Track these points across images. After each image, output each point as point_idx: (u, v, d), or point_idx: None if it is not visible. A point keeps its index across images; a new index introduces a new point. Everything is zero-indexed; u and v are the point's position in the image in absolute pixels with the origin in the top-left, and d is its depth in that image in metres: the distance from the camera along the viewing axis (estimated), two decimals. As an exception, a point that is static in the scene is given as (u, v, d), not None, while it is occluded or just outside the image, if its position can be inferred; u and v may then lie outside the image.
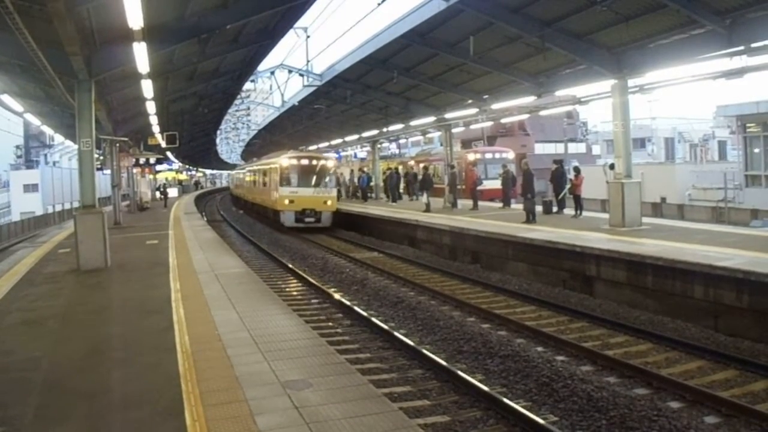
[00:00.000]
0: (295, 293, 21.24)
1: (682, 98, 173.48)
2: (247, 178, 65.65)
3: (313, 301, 20.13)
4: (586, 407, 11.10)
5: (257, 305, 14.09)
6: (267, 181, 47.61)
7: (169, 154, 66.41)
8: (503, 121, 41.03)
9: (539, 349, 14.55)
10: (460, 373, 12.51)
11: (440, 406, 11.26)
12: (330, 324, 17.10)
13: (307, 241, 37.48)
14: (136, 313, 13.74)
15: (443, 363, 13.17)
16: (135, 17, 14.84)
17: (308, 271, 25.85)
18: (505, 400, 11.05)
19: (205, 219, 45.57)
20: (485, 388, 11.66)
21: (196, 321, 12.54)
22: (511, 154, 47.66)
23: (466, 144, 63.59)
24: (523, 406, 10.92)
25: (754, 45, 20.25)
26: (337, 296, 19.97)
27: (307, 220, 41.39)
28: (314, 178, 42.37)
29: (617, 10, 21.65)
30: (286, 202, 41.40)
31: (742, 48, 20.57)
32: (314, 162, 43.11)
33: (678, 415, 10.61)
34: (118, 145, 36.88)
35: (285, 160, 42.91)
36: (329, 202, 42.18)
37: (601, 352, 14.06)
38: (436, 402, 11.44)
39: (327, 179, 42.90)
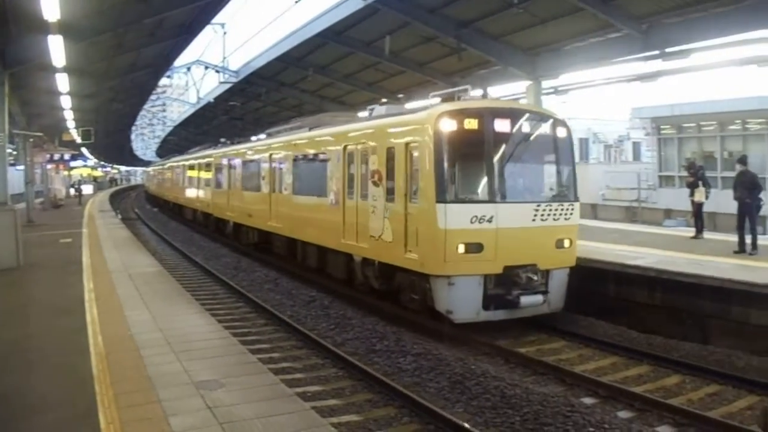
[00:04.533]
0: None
1: (597, 99, 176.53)
2: (241, 175, 32.42)
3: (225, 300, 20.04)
4: (499, 404, 11.25)
5: (170, 305, 14.11)
6: (376, 188, 17.74)
7: (84, 150, 65.40)
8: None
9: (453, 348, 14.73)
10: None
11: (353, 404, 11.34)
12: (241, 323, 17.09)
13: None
14: (48, 313, 13.61)
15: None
16: (51, 8, 14.67)
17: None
18: (418, 398, 11.18)
19: (120, 217, 44.68)
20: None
21: (110, 321, 12.48)
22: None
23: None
24: (435, 404, 11.03)
25: (669, 49, 20.84)
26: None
27: (525, 301, 15.54)
28: (533, 170, 17.41)
29: (534, 12, 22.14)
30: (460, 249, 15.07)
31: (657, 52, 21.16)
32: (528, 125, 16.75)
33: (592, 411, 10.86)
34: (32, 140, 36.17)
35: (447, 119, 15.44)
36: (567, 242, 16.49)
37: (513, 349, 14.40)
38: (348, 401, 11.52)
39: (564, 174, 17.24)
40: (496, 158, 15.86)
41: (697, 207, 21.65)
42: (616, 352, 14.37)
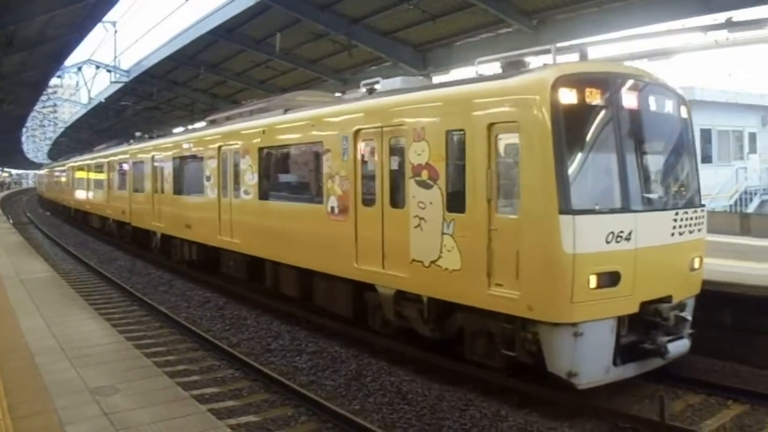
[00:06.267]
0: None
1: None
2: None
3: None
4: (395, 400, 11.46)
5: (64, 310, 13.98)
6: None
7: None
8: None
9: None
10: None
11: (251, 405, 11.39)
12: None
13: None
14: (-64, 323, 13.31)
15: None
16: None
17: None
18: (315, 397, 11.32)
19: (11, 222, 43.65)
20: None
21: (2, 329, 12.36)
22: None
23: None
24: (332, 402, 11.18)
25: (559, 45, 21.36)
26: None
27: (674, 350, 11.12)
28: (665, 164, 12.47)
29: (424, 8, 22.39)
30: (591, 282, 10.19)
31: (548, 47, 21.67)
32: (655, 99, 11.93)
33: (489, 404, 11.10)
34: None
35: (568, 89, 10.51)
36: (697, 262, 12.18)
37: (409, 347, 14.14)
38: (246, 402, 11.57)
39: (692, 170, 12.67)
40: (630, 146, 11.30)
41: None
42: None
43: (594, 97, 10.73)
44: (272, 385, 12.16)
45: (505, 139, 10.97)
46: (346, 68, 30.17)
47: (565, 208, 9.94)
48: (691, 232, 11.73)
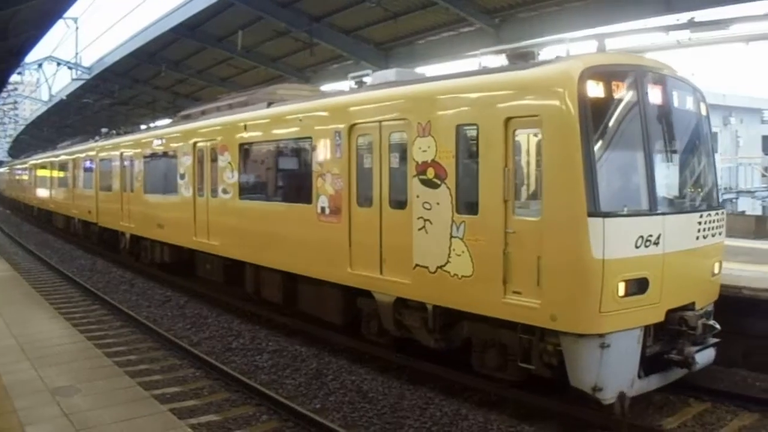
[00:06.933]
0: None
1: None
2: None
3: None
4: (356, 399, 11.52)
5: (24, 310, 13.91)
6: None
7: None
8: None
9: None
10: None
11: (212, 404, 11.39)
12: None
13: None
14: None
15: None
16: None
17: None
18: (276, 396, 11.36)
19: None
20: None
21: (-40, 330, 12.25)
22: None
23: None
24: (293, 401, 11.21)
25: (521, 43, 21.57)
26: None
27: (701, 360, 10.72)
28: (688, 163, 11.75)
29: (386, 6, 22.52)
30: (620, 289, 9.52)
31: (511, 46, 21.88)
32: (677, 95, 11.31)
33: (449, 402, 11.18)
34: None
35: (595, 82, 9.77)
36: (717, 267, 11.79)
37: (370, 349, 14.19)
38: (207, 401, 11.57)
39: (712, 169, 12.45)
40: (657, 144, 10.77)
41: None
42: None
43: (621, 91, 10.11)
44: (233, 384, 12.19)
45: (525, 135, 10.50)
46: (308, 66, 30.29)
47: (594, 211, 9.25)
48: (713, 235, 11.23)
